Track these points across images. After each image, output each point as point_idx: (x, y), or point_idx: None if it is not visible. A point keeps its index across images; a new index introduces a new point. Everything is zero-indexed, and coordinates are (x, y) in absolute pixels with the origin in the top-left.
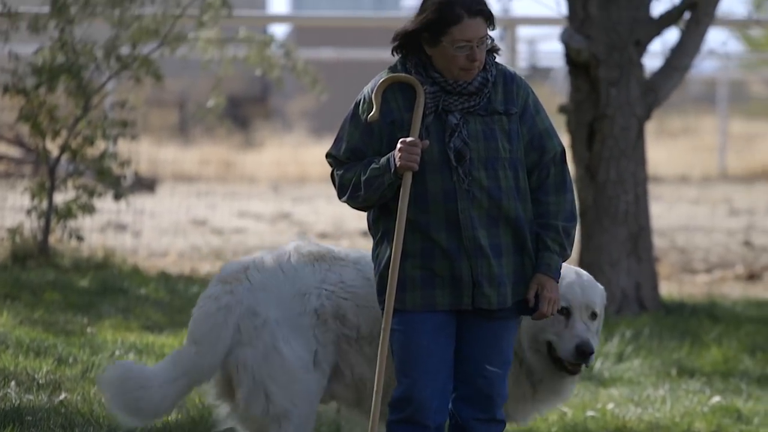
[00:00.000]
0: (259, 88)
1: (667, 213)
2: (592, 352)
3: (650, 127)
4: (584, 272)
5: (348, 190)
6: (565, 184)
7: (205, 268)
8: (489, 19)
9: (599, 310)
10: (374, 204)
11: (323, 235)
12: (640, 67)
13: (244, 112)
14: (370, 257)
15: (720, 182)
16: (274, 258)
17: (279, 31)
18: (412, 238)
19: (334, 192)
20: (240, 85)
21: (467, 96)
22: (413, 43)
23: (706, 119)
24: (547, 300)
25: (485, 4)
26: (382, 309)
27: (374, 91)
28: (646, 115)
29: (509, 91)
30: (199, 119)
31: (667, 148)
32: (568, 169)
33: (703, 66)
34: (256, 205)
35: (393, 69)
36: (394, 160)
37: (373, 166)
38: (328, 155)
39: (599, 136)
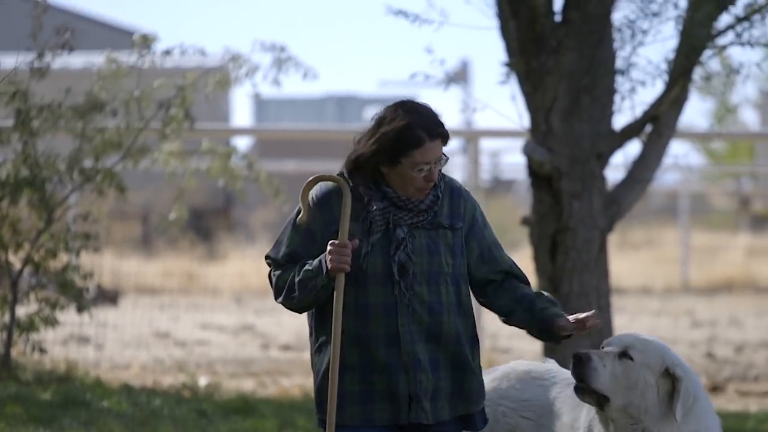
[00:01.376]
0: (222, 200)
1: (630, 325)
2: (582, 357)
3: (613, 239)
4: None
5: (283, 292)
6: (528, 280)
7: (168, 380)
8: (446, 139)
9: (637, 353)
10: (310, 306)
11: (286, 347)
12: (603, 179)
13: (207, 223)
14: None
15: (682, 294)
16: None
17: (242, 143)
18: (350, 351)
19: None
20: (203, 197)
21: (417, 212)
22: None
23: (668, 231)
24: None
25: (444, 126)
26: (320, 423)
27: (301, 194)
28: (609, 228)
29: (456, 205)
30: (162, 231)
31: (630, 260)
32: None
33: (665, 178)
34: (219, 317)
35: (340, 176)
36: (326, 262)
37: (307, 267)
38: (267, 257)
39: (562, 248)
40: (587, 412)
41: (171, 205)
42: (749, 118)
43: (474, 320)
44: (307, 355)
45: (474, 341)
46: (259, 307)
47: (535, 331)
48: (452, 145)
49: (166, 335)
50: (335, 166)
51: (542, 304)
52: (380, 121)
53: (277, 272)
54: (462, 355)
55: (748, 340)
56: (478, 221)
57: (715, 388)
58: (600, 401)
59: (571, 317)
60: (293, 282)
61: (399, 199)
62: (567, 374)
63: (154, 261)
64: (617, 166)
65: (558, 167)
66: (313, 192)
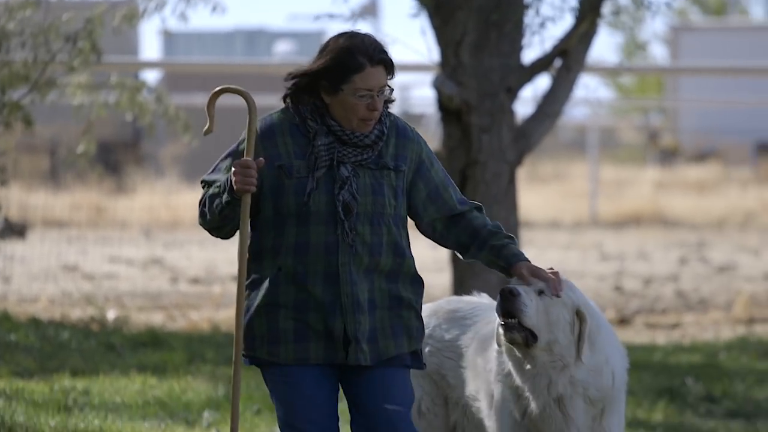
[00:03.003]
0: (131, 134)
1: (538, 258)
2: (512, 291)
3: (522, 173)
4: None
5: (199, 208)
6: (482, 210)
7: (76, 313)
8: (390, 67)
9: (547, 290)
10: (219, 226)
11: (195, 281)
12: (512, 113)
13: (116, 157)
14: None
15: (591, 227)
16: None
17: (151, 76)
18: (286, 289)
19: (206, 237)
20: (111, 130)
21: (361, 148)
22: (309, 90)
23: (576, 165)
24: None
25: (386, 52)
26: (245, 360)
27: (207, 104)
28: (518, 161)
29: (401, 145)
30: (70, 165)
31: (539, 194)
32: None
33: (574, 112)
34: (127, 251)
35: (284, 111)
36: (232, 182)
37: (216, 183)
38: (202, 180)
39: (471, 182)
40: (497, 354)
41: (79, 139)
42: (658, 52)
43: (412, 260)
44: (215, 289)
45: (414, 280)
46: (168, 240)
47: (494, 267)
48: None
49: (75, 268)
50: (244, 100)
51: (497, 240)
52: (323, 49)
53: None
54: (401, 296)
55: (655, 273)
56: (425, 162)
57: (623, 321)
58: (527, 339)
59: (527, 268)
60: (205, 197)
61: (344, 133)
62: (491, 312)
63: (62, 194)
64: (526, 100)
65: (467, 101)
66: (259, 124)
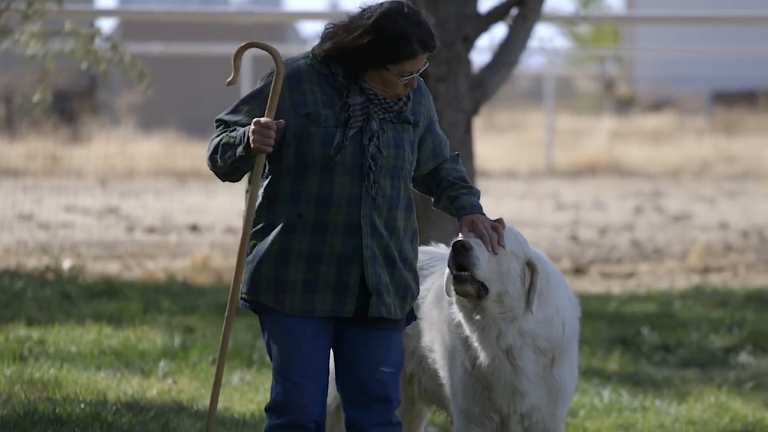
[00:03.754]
0: (87, 83)
1: (494, 208)
2: (465, 245)
3: (478, 123)
4: None
5: (210, 151)
6: (457, 160)
7: (32, 263)
8: (435, 50)
9: (478, 246)
10: (228, 174)
11: (151, 230)
12: (468, 62)
13: (72, 106)
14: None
15: (547, 177)
16: None
17: (106, 25)
18: (302, 237)
19: (161, 187)
20: (67, 79)
21: (388, 109)
22: (348, 56)
23: (533, 114)
24: (487, 229)
25: (435, 38)
26: (243, 304)
27: (233, 57)
28: (474, 111)
29: (417, 101)
30: (26, 113)
31: (495, 143)
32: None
33: (531, 62)
34: (83, 200)
35: (312, 59)
36: (249, 137)
37: (233, 133)
38: (218, 120)
39: None
40: (448, 305)
41: (35, 88)
42: (614, 2)
43: (415, 215)
44: (172, 238)
45: (415, 236)
46: (123, 189)
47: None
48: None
49: (30, 217)
50: (200, 49)
51: (453, 191)
52: (378, 24)
53: (218, 133)
54: (405, 252)
55: (611, 222)
56: (434, 118)
57: (579, 271)
58: (479, 291)
59: (467, 221)
60: (219, 143)
61: (376, 97)
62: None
63: (18, 143)
64: (483, 49)
65: None
66: (287, 69)
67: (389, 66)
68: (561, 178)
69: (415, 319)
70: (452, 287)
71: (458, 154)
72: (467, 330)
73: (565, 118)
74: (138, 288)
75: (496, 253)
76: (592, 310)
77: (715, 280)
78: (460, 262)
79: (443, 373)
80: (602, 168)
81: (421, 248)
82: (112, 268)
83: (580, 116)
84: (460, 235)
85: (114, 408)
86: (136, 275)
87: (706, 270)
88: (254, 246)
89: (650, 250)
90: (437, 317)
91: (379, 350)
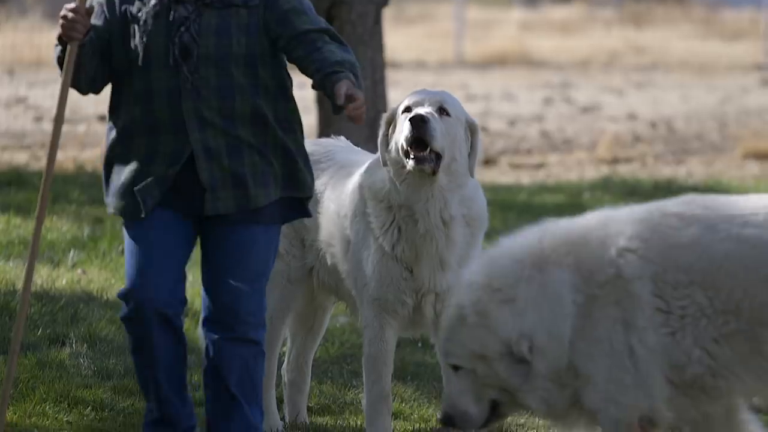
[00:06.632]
0: None
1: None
2: (423, 119)
3: (388, 13)
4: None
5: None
6: (341, 43)
7: None
8: None
9: (451, 108)
10: (69, 79)
11: None
12: None
13: None
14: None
15: (457, 68)
16: None
17: None
18: (138, 141)
19: None
20: None
21: None
22: None
23: (443, 5)
24: (347, 92)
25: None
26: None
27: None
28: (384, 2)
29: None
30: None
31: (405, 35)
32: (339, 42)
33: None
34: None
35: None
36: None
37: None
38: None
39: (337, 22)
40: (351, 199)
41: None
42: None
43: (288, 103)
44: (80, 128)
45: (288, 123)
46: (32, 79)
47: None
48: None
49: None
50: None
51: (330, 68)
52: None
53: None
54: (267, 138)
55: (520, 113)
56: None
57: (489, 162)
58: (434, 166)
59: (344, 92)
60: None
61: None
62: (346, 156)
63: None
64: None
65: None
66: None
67: None
68: (471, 69)
69: (309, 216)
70: (408, 162)
71: (329, 29)
72: (402, 202)
73: (475, 9)
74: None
75: (361, 122)
76: (502, 200)
77: (624, 170)
78: (420, 135)
79: (344, 267)
80: (512, 59)
81: (320, 141)
82: (21, 158)
83: (489, 7)
84: (338, 98)
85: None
86: (44, 165)
87: (614, 160)
88: (107, 154)
89: (560, 141)
90: (335, 212)
91: (229, 258)
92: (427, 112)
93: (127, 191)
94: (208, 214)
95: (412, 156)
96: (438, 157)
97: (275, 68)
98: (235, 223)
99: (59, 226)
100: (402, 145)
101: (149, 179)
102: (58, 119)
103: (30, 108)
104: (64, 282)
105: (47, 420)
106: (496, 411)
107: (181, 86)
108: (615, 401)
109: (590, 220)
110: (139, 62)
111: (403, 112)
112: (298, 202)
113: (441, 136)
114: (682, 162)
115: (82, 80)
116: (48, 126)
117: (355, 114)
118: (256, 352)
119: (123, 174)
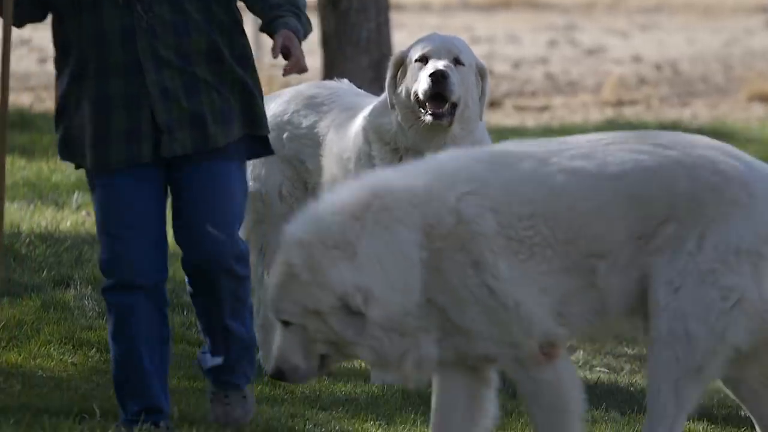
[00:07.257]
0: None
1: (409, 41)
2: (443, 74)
3: None
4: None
5: None
6: None
7: None
8: None
9: (465, 57)
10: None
11: None
12: None
13: None
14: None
15: (461, 10)
16: None
17: None
18: (88, 86)
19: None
20: None
21: None
22: None
23: None
24: (285, 44)
25: None
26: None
27: None
28: None
29: None
30: None
31: None
32: None
33: None
34: None
35: None
36: None
37: None
38: None
39: None
40: (355, 142)
41: None
42: None
43: (242, 38)
44: None
45: (242, 59)
46: None
47: None
48: None
49: None
50: None
51: (270, 12)
52: None
53: None
54: (227, 75)
55: (525, 56)
56: None
57: (493, 104)
58: (452, 118)
59: (279, 44)
60: None
61: None
62: (350, 98)
63: None
64: None
65: None
66: None
67: None
68: (475, 11)
69: (272, 153)
70: (426, 117)
71: None
72: (406, 144)
73: None
74: (50, 120)
75: (302, 71)
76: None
77: (629, 113)
78: (440, 90)
79: None
80: (516, 2)
81: (324, 83)
82: (25, 99)
83: None
84: (272, 52)
85: (28, 240)
86: (48, 107)
87: (619, 103)
88: (60, 101)
89: (564, 83)
90: (338, 154)
91: (205, 203)
92: (446, 66)
93: (89, 143)
94: (165, 155)
95: (429, 111)
96: (454, 107)
97: (228, 2)
98: (199, 163)
99: (63, 168)
100: (419, 97)
101: (109, 127)
102: (5, 57)
103: (34, 49)
104: (68, 224)
105: (52, 361)
106: (323, 363)
107: (135, 25)
108: (505, 342)
109: (427, 171)
110: (90, 3)
111: (417, 60)
112: (260, 139)
113: (458, 88)
114: (687, 104)
115: (27, 18)
116: (51, 67)
117: (291, 73)
118: (244, 283)
119: (80, 123)
